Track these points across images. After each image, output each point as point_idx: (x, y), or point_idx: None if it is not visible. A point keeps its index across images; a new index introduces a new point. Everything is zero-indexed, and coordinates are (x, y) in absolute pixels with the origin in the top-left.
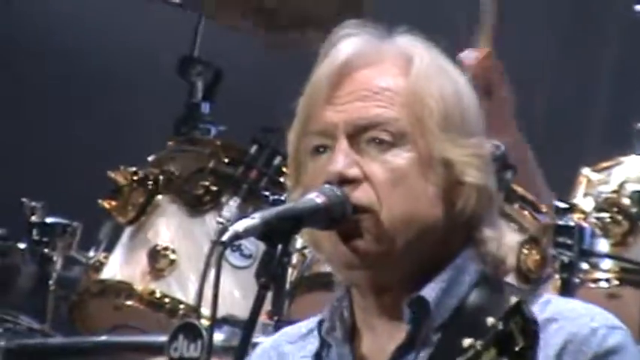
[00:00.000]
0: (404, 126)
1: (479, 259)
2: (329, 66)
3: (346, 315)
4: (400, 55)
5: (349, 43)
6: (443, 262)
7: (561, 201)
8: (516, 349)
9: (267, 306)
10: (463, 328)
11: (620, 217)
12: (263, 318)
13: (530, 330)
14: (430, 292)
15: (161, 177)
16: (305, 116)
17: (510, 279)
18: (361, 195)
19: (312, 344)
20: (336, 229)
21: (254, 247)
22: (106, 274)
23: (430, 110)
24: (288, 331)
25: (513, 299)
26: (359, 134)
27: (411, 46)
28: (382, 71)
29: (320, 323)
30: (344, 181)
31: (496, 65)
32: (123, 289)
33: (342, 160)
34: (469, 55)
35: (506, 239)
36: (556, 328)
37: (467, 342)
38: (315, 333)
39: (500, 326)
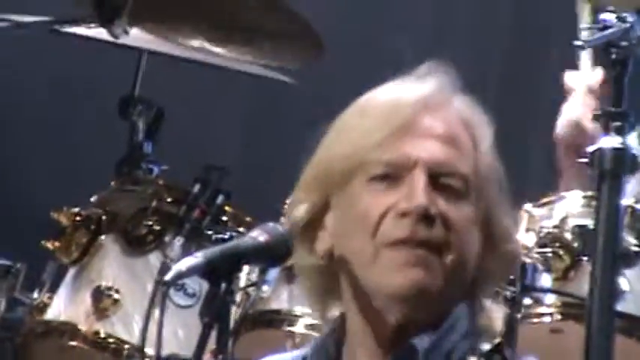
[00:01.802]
0: (473, 182)
1: (472, 312)
2: (405, 94)
3: (332, 351)
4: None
5: (411, 89)
6: (441, 313)
7: None
8: None
9: (211, 345)
10: None
11: (562, 252)
12: (207, 357)
13: None
14: (423, 342)
15: (104, 217)
16: (372, 141)
17: None
18: (439, 232)
19: None
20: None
21: (197, 286)
22: (50, 314)
23: (490, 173)
24: None
25: (496, 340)
26: (437, 176)
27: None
28: (452, 122)
29: (304, 358)
30: (425, 216)
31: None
32: (67, 329)
33: (425, 194)
34: (595, 77)
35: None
36: None
37: None
38: None
39: None
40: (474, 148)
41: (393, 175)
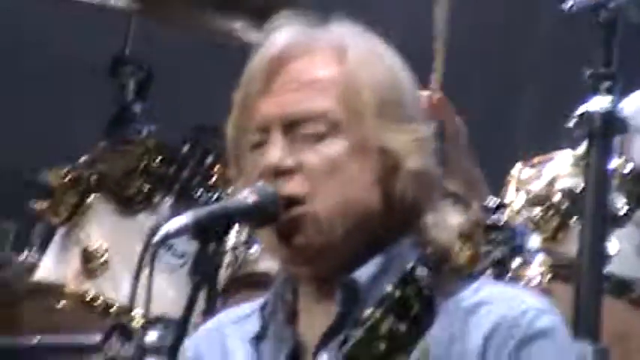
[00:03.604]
0: (339, 115)
1: (419, 246)
2: (262, 58)
3: (288, 298)
4: (334, 44)
5: (283, 33)
6: (381, 249)
7: (493, 197)
8: (412, 314)
9: (200, 305)
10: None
11: (551, 213)
12: (196, 317)
13: (425, 294)
14: (361, 274)
15: (93, 177)
16: (241, 110)
17: None
18: (295, 186)
19: (254, 325)
20: (274, 227)
21: (187, 246)
22: (39, 275)
23: (365, 97)
24: (231, 311)
25: (409, 265)
26: (294, 127)
27: (346, 34)
28: (316, 61)
29: (263, 305)
30: (279, 173)
31: (445, 103)
32: (55, 289)
33: (277, 151)
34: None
35: (448, 223)
36: (486, 311)
37: (367, 311)
38: (257, 315)
39: (397, 293)
40: (340, 65)
41: (264, 140)
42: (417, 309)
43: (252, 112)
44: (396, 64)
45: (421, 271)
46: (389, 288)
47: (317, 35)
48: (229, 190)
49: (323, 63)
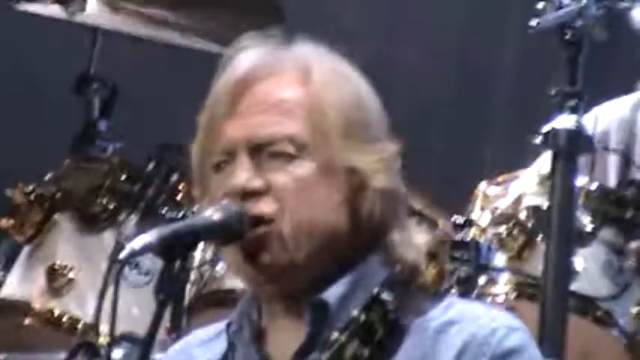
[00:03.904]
0: (305, 137)
1: (388, 264)
2: (227, 80)
3: (254, 316)
4: (299, 65)
5: (247, 55)
6: (349, 267)
7: (458, 215)
8: (376, 339)
9: (165, 322)
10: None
11: (516, 231)
12: (161, 334)
13: (389, 319)
14: (330, 295)
15: (58, 195)
16: (206, 133)
17: None
18: (263, 206)
19: (220, 345)
20: (239, 245)
21: (152, 264)
22: (4, 292)
23: (331, 119)
24: (198, 333)
25: (375, 290)
26: (260, 149)
27: (310, 54)
28: (281, 83)
29: (228, 325)
30: (246, 194)
31: None
32: (21, 307)
33: (243, 173)
34: None
35: (414, 241)
36: (457, 330)
37: (334, 335)
38: (224, 335)
39: (362, 317)
40: (305, 87)
41: (228, 161)
42: (381, 334)
43: (218, 135)
44: (361, 84)
45: (387, 295)
46: (354, 312)
47: (282, 56)
48: (194, 208)
49: (288, 84)
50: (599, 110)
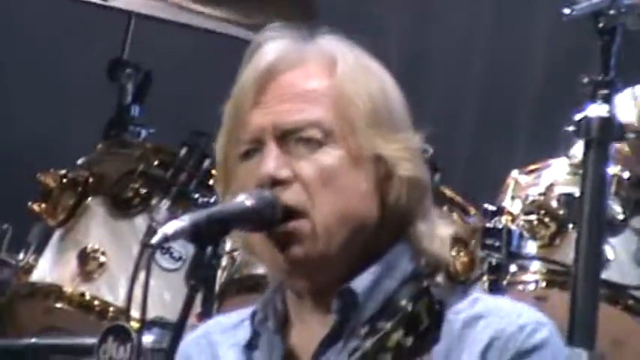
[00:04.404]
0: (332, 125)
1: (412, 255)
2: (253, 71)
3: (279, 306)
4: (324, 57)
5: (272, 46)
6: (376, 257)
7: (489, 203)
8: (421, 328)
9: (196, 308)
10: (390, 320)
11: (547, 220)
12: (192, 320)
13: (435, 310)
14: (359, 284)
15: (91, 179)
16: (232, 122)
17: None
18: (292, 196)
19: (244, 333)
20: (270, 236)
21: (184, 249)
22: (36, 276)
23: (357, 107)
24: (220, 319)
25: (424, 283)
26: (287, 136)
27: (334, 46)
28: (307, 73)
29: (253, 314)
30: (275, 182)
31: None
32: (52, 291)
33: (272, 162)
34: None
35: (440, 232)
36: (483, 325)
37: (381, 323)
38: (247, 323)
39: (409, 307)
40: (331, 78)
41: (257, 149)
42: (426, 324)
43: (244, 124)
44: (384, 76)
45: (435, 290)
46: (403, 302)
47: (307, 48)
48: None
49: (314, 75)
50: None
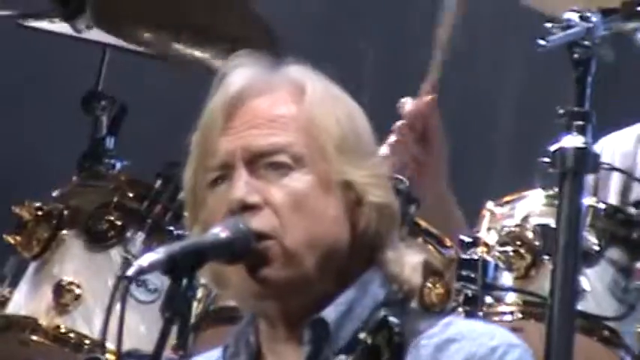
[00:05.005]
0: (301, 150)
1: (383, 281)
2: (221, 97)
3: (251, 339)
4: (292, 84)
5: (240, 74)
6: (346, 284)
7: (465, 235)
8: None
9: (172, 340)
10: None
11: (523, 251)
12: (168, 352)
13: (394, 342)
14: (330, 313)
15: (66, 212)
16: (200, 150)
17: None
18: (263, 221)
19: None
20: (242, 262)
21: (159, 281)
22: (11, 309)
23: (326, 133)
24: (199, 358)
25: (382, 313)
26: (257, 160)
27: (302, 74)
28: (275, 99)
29: (225, 348)
30: (245, 207)
31: (435, 113)
32: (28, 324)
33: (242, 186)
34: (408, 101)
35: (408, 260)
36: (456, 349)
37: (340, 358)
38: (219, 358)
39: (369, 340)
40: (299, 104)
41: (225, 176)
42: (386, 356)
43: (213, 151)
44: (352, 103)
45: (393, 318)
46: (362, 335)
47: (274, 75)
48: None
49: (282, 101)
50: (604, 141)
